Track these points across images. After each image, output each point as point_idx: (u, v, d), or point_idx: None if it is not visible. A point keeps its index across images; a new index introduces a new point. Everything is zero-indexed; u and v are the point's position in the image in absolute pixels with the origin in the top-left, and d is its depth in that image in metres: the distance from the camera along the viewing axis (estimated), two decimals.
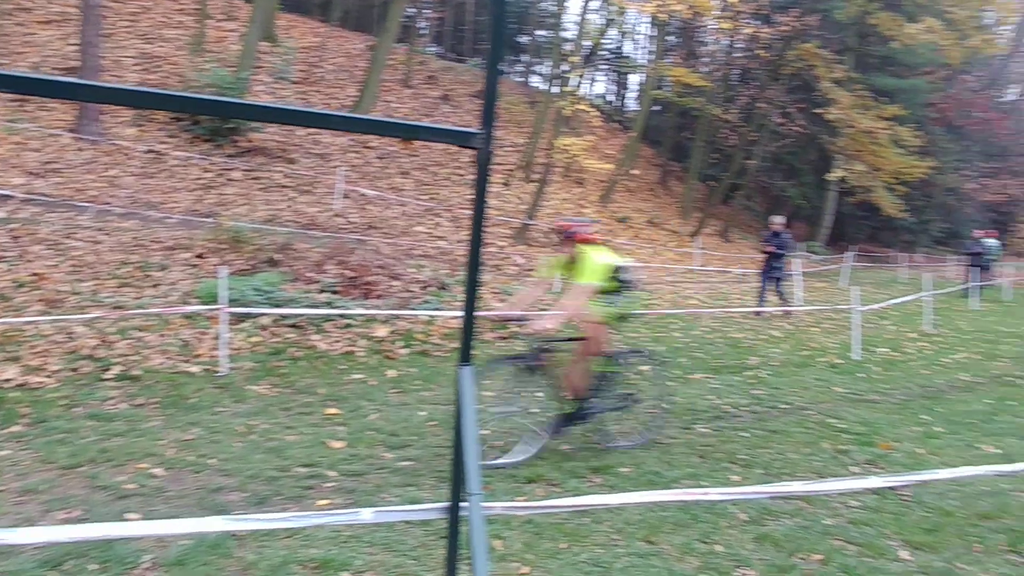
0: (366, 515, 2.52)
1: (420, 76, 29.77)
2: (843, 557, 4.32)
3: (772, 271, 14.75)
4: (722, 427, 6.91)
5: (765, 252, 14.86)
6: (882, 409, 7.99)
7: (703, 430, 6.78)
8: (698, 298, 16.98)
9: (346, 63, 27.14)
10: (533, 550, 4.24)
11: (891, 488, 5.22)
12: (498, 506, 2.58)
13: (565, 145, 22.08)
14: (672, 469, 5.64)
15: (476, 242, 2.28)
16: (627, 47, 46.85)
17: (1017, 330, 15.30)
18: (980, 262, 21.81)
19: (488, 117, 2.17)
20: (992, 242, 24.40)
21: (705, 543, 4.42)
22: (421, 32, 37.54)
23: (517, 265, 18.33)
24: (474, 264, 2.31)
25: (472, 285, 2.35)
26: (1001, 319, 17.28)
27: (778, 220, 15.30)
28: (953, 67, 37.79)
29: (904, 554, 4.44)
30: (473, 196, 2.25)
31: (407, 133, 2.25)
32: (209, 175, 16.24)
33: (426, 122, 23.25)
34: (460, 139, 2.18)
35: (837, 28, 34.28)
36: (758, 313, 14.40)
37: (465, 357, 2.40)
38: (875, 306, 14.45)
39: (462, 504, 2.45)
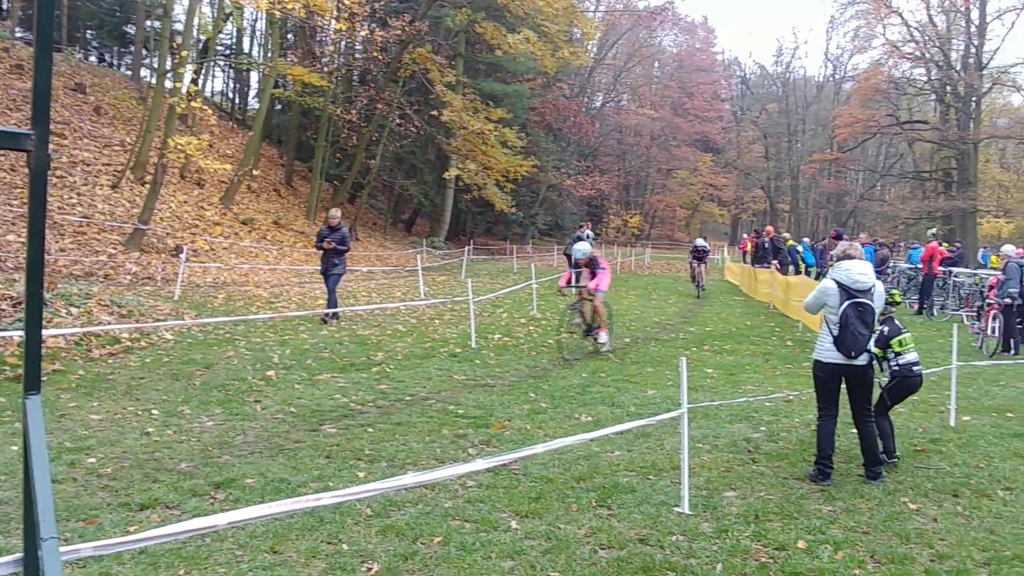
0: None
1: (4, 65, 25.96)
2: (461, 536, 4.59)
3: (333, 268, 13.51)
4: (349, 425, 6.99)
5: (322, 248, 13.52)
6: (496, 392, 8.66)
7: (330, 430, 6.79)
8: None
9: None
10: None
11: (503, 464, 5.67)
12: (87, 547, 2.33)
13: (180, 144, 20.69)
14: (299, 474, 5.57)
15: (35, 258, 2.02)
16: (246, 43, 45.25)
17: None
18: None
19: (41, 115, 1.90)
20: (587, 232, 27.86)
21: (332, 544, 4.44)
22: (3, 14, 32.74)
23: (131, 273, 16.88)
24: (35, 282, 2.05)
25: (35, 305, 2.09)
26: None
27: (335, 214, 13.92)
28: (549, 76, 42.11)
29: (514, 523, 4.84)
30: (28, 205, 2.00)
31: None
32: None
33: None
34: (5, 141, 1.90)
35: (448, 35, 36.35)
36: (334, 316, 13.51)
37: (32, 385, 2.13)
38: (490, 295, 15.63)
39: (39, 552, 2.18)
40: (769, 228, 26.22)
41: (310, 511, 4.68)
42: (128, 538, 2.39)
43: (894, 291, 6.95)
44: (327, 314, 13.41)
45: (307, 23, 31.05)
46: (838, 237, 13.77)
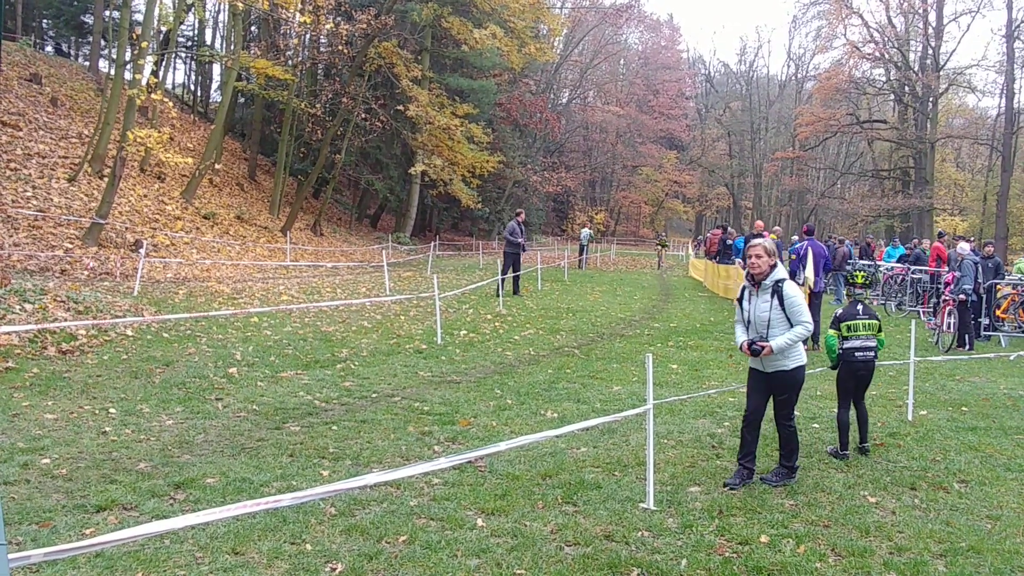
0: None
1: None
2: (426, 534, 4.56)
3: None
4: (313, 423, 6.92)
5: None
6: (462, 388, 8.63)
7: (294, 428, 6.72)
8: (290, 294, 16.81)
9: None
10: None
11: (468, 461, 5.63)
12: (37, 553, 2.26)
13: (139, 137, 20.31)
14: (261, 473, 5.50)
15: None
16: (208, 35, 44.59)
17: (573, 306, 17.52)
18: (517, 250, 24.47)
19: None
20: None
21: (295, 544, 4.38)
22: None
23: (88, 269, 16.55)
24: None
25: None
26: (560, 297, 19.68)
27: None
28: (515, 72, 42.08)
29: (480, 521, 4.82)
30: None
31: None
32: None
33: None
34: None
35: (414, 29, 36.14)
36: None
37: None
38: (455, 292, 15.57)
39: None
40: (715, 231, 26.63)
41: (272, 511, 4.61)
42: (82, 543, 2.33)
43: (858, 272, 7.06)
44: None
45: (271, 15, 30.69)
46: (809, 232, 13.96)
